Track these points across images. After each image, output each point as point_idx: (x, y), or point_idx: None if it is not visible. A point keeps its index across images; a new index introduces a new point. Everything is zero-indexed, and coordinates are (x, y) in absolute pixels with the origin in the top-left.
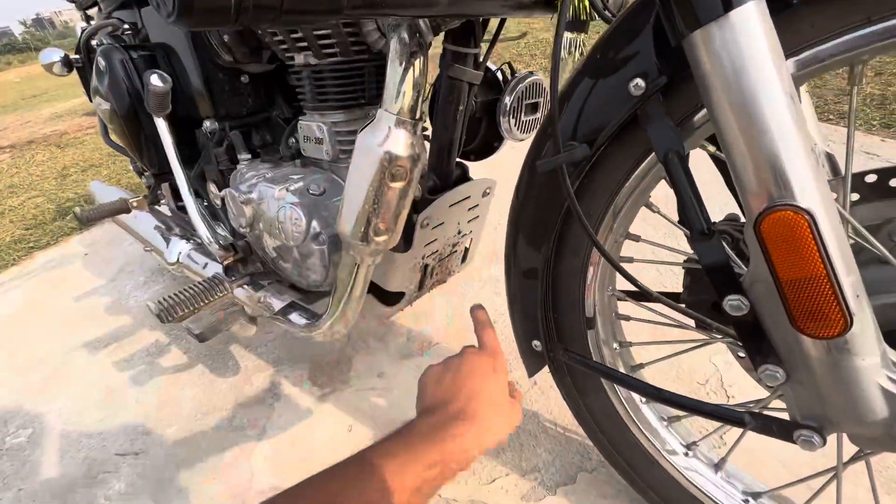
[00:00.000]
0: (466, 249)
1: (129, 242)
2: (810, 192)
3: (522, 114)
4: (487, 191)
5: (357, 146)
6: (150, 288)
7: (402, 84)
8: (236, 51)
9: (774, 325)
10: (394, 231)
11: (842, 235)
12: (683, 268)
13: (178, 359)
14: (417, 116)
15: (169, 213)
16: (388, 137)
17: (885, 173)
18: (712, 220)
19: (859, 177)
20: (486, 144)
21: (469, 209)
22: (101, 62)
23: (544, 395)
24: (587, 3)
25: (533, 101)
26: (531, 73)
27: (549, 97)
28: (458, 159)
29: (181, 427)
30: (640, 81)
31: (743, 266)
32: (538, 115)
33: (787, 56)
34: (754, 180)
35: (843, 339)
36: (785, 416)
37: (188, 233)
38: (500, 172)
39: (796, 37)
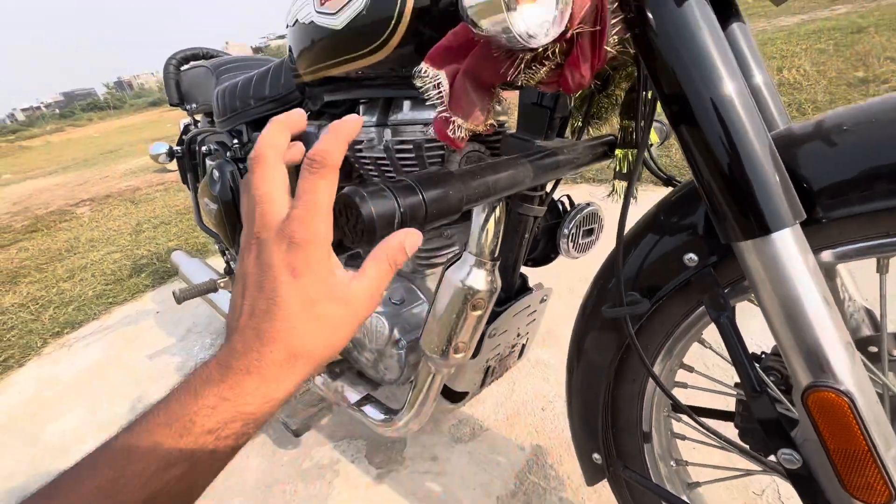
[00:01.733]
0: (523, 346)
1: (197, 304)
2: (849, 376)
3: (580, 238)
4: (544, 297)
5: (444, 280)
6: (216, 350)
7: (484, 230)
8: None
9: (828, 482)
10: (469, 349)
11: (880, 413)
12: (735, 397)
13: None
14: (496, 257)
15: None
16: (470, 275)
17: None
18: (760, 353)
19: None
20: (545, 256)
21: (528, 314)
22: (216, 173)
23: (596, 492)
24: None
25: (589, 227)
26: (588, 204)
27: (601, 223)
28: None
29: (246, 499)
30: (693, 256)
31: (791, 407)
32: (593, 237)
33: (821, 250)
34: (800, 361)
35: None
36: None
37: None
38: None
39: (827, 238)
